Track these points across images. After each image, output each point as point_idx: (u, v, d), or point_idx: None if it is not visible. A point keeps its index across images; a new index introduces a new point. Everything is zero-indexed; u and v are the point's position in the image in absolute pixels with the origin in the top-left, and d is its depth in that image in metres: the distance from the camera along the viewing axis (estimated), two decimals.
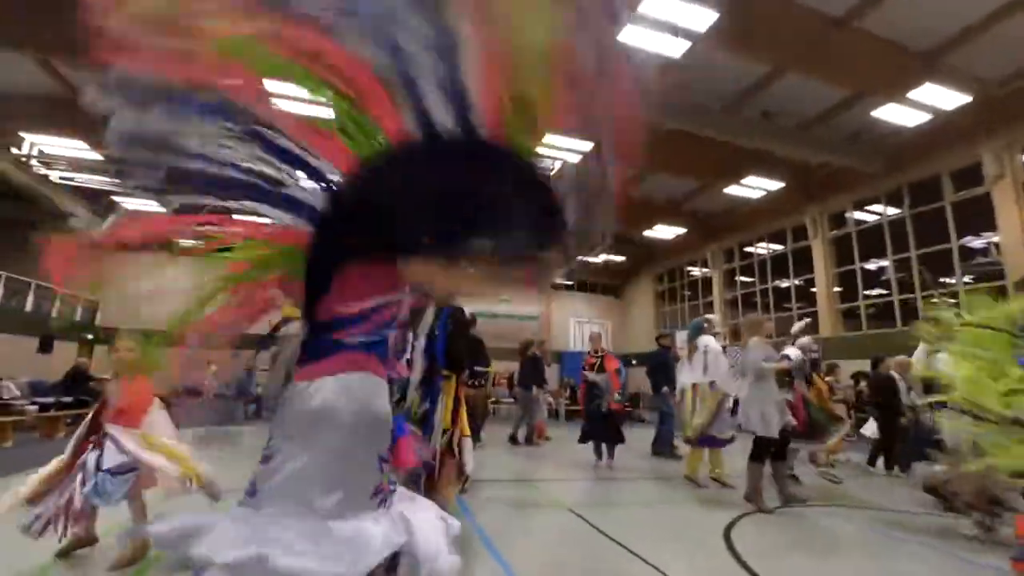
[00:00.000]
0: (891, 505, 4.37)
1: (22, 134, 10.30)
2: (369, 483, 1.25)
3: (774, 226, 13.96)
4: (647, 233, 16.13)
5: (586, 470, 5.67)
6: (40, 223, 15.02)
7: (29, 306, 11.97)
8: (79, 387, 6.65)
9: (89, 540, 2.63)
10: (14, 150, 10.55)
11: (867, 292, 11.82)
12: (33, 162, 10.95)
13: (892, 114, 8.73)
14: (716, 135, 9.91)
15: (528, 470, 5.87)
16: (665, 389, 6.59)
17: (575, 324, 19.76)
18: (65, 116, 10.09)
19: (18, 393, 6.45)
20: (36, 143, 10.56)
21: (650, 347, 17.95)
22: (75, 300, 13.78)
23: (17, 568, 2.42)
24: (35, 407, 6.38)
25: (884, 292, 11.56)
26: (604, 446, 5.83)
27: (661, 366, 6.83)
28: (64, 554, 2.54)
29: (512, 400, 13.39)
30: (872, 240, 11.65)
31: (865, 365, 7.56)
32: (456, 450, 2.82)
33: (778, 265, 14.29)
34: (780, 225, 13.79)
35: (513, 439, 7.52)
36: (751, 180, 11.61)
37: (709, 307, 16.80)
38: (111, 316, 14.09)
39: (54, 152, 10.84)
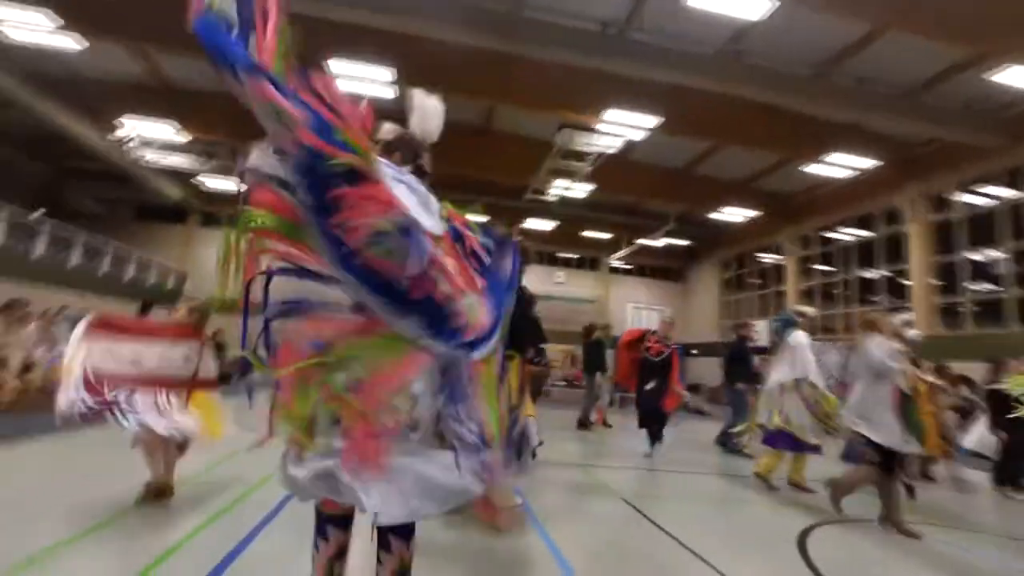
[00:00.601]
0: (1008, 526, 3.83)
1: (122, 119, 11.29)
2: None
3: (860, 209, 12.67)
4: (714, 215, 15.23)
5: (644, 459, 5.48)
6: (139, 202, 16.69)
7: (131, 274, 13.29)
8: None
9: (164, 487, 2.78)
10: (117, 133, 11.59)
11: (972, 287, 10.48)
12: (131, 144, 12.00)
13: (1016, 78, 7.51)
14: (800, 106, 9.03)
15: (584, 455, 5.76)
16: (741, 384, 6.30)
17: (632, 309, 19.19)
18: (157, 101, 10.98)
19: None
20: (134, 127, 11.54)
21: (712, 336, 17.31)
22: (168, 270, 15.17)
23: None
24: None
25: (994, 287, 10.19)
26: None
27: (740, 358, 6.55)
28: (143, 501, 2.71)
29: (563, 383, 13.29)
30: (981, 226, 10.26)
31: (967, 369, 6.69)
32: (520, 426, 2.73)
33: (864, 253, 13.01)
34: (867, 208, 12.48)
35: (582, 423, 7.50)
36: (836, 157, 10.51)
37: (781, 297, 15.69)
38: (197, 286, 15.44)
39: (148, 135, 11.82)
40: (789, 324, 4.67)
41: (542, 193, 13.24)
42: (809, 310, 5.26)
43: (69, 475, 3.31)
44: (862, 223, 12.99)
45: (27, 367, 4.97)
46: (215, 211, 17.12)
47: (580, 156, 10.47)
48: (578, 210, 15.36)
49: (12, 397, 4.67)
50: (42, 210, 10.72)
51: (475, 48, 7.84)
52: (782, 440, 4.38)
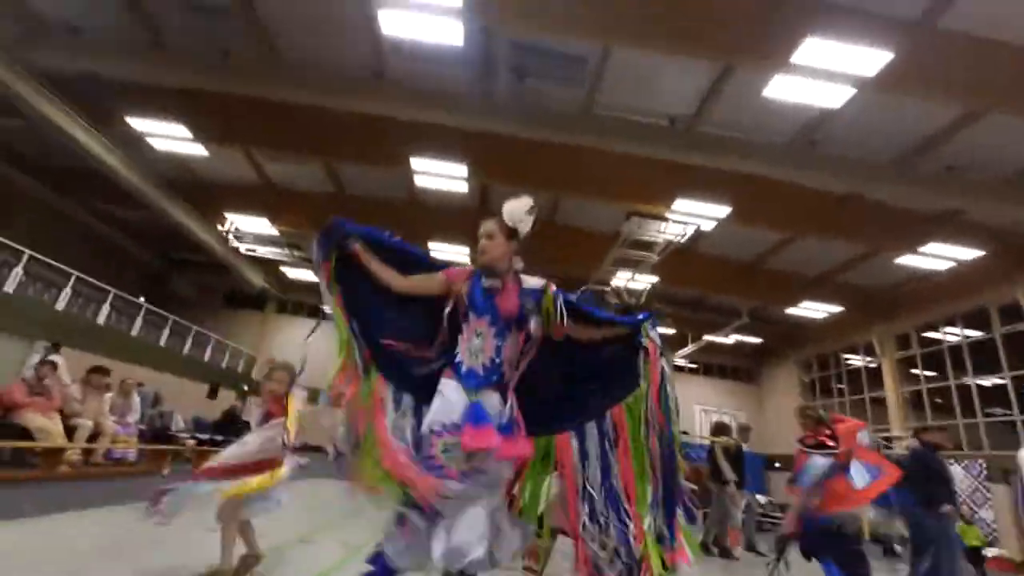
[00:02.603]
0: None
1: (227, 214, 12.72)
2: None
3: (968, 304, 11.30)
4: (790, 310, 14.19)
5: None
6: (228, 289, 18.25)
7: (207, 356, 14.00)
8: (230, 427, 7.24)
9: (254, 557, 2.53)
10: (219, 227, 13.00)
11: None
12: (230, 237, 13.35)
13: None
14: (885, 194, 8.56)
15: None
16: (947, 507, 4.21)
17: (700, 412, 17.54)
18: (257, 199, 12.34)
19: (183, 425, 7.28)
20: (234, 221, 12.93)
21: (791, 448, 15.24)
22: (240, 354, 15.91)
23: None
24: (194, 441, 7.05)
25: None
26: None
27: (934, 473, 4.75)
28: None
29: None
30: None
31: None
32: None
33: (978, 354, 11.33)
34: (976, 302, 11.12)
35: (704, 547, 5.56)
36: (933, 248, 9.65)
37: (879, 404, 13.78)
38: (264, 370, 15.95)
39: (245, 228, 13.16)
40: None
41: (605, 284, 13.02)
42: None
43: (138, 546, 3.03)
44: (972, 320, 11.51)
45: (95, 435, 4.97)
46: (290, 299, 18.36)
47: (647, 246, 10.31)
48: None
49: (73, 469, 4.59)
50: (143, 298, 11.80)
51: (544, 142, 8.25)
52: None
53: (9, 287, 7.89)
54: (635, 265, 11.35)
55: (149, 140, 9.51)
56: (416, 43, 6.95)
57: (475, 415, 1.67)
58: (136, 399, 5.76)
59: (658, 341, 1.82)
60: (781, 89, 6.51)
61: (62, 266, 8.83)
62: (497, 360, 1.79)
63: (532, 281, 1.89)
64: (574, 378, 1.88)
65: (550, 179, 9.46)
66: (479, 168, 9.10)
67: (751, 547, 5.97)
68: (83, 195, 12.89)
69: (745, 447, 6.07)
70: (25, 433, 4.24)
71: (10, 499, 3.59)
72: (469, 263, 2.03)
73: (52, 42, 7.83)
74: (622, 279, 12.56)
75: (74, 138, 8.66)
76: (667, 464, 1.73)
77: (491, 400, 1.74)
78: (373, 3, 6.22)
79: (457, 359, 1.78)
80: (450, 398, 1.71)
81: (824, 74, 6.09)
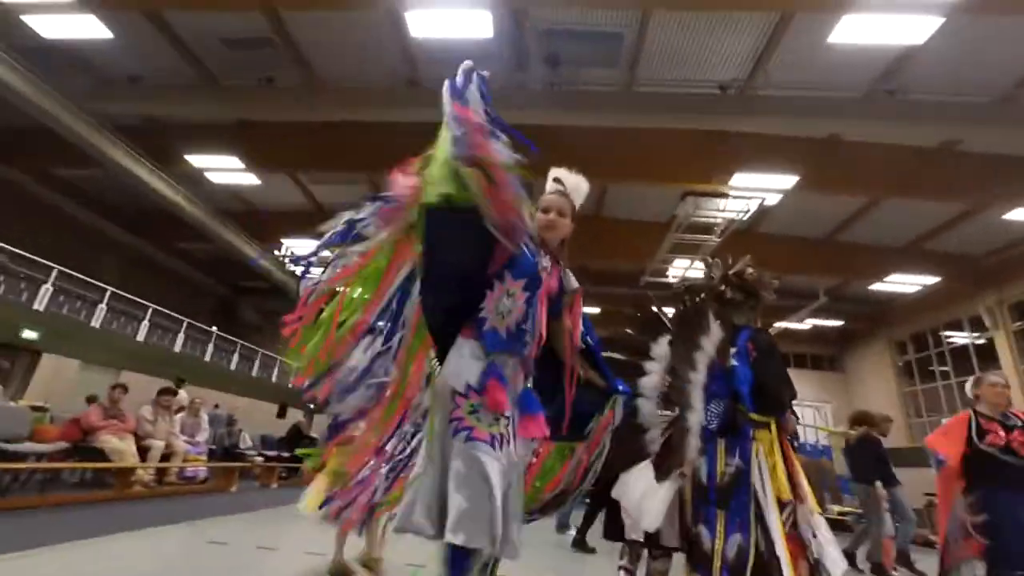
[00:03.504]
0: None
1: (282, 240, 13.27)
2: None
3: None
4: (876, 286, 12.78)
5: None
6: (289, 312, 19.08)
7: (275, 378, 14.60)
8: (296, 443, 7.34)
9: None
10: (276, 252, 13.58)
11: None
12: (287, 261, 13.92)
13: None
14: (987, 142, 7.44)
15: None
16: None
17: None
18: (309, 223, 12.74)
19: (251, 444, 7.50)
20: (289, 246, 13.46)
21: (898, 440, 13.64)
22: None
23: None
24: (261, 458, 7.19)
25: None
26: None
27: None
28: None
29: None
30: None
31: None
32: (805, 534, 1.85)
33: None
34: None
35: (851, 559, 4.48)
36: None
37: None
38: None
39: (300, 252, 13.66)
40: None
41: (661, 276, 12.32)
42: None
43: (232, 559, 2.96)
44: None
45: (167, 455, 5.09)
46: None
47: (706, 228, 9.60)
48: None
49: (146, 488, 4.70)
50: (215, 327, 12.48)
51: (585, 129, 7.86)
52: None
53: (95, 322, 8.49)
54: (694, 251, 10.61)
55: (207, 175, 10.04)
56: (446, 43, 6.84)
57: (497, 376, 1.46)
58: (205, 418, 5.92)
59: (617, 418, 1.79)
60: (850, 32, 5.78)
61: (140, 300, 9.44)
62: (524, 327, 1.55)
63: (572, 277, 1.77)
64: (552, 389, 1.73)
65: (596, 168, 9.00)
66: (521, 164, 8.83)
67: (906, 562, 4.66)
68: (156, 235, 13.90)
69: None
70: (102, 455, 4.40)
71: (88, 519, 3.67)
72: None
73: (115, 93, 8.44)
74: (680, 268, 11.83)
75: (142, 180, 9.28)
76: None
77: (507, 367, 1.52)
78: (400, 6, 6.15)
79: (480, 315, 1.55)
80: (468, 356, 1.50)
81: (903, 5, 5.33)
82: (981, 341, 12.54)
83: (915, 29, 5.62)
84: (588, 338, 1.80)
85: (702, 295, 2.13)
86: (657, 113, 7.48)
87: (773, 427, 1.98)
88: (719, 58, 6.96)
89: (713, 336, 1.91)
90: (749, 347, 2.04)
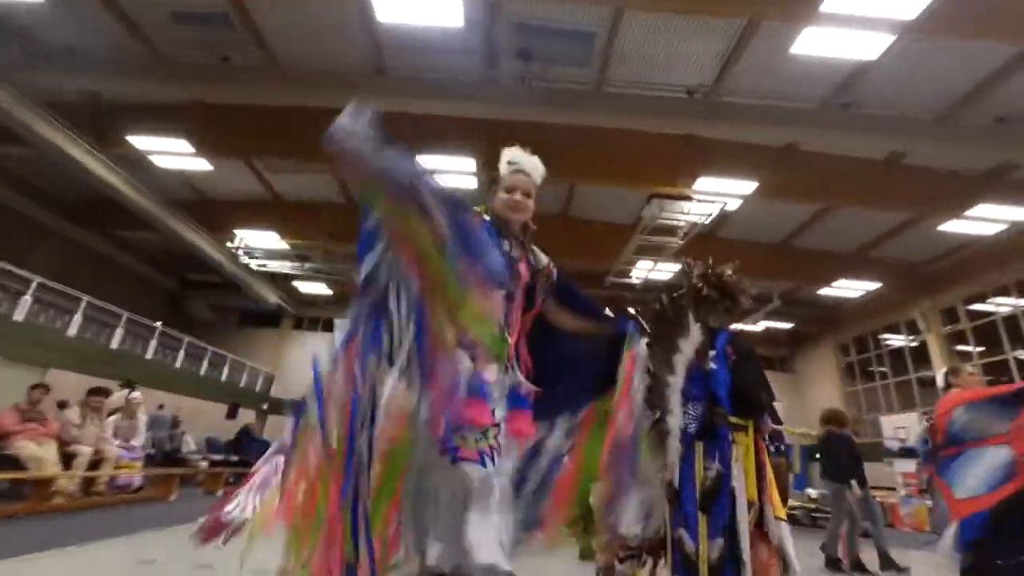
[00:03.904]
0: None
1: (236, 231, 12.55)
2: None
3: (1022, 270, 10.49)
4: (824, 291, 13.45)
5: None
6: (243, 308, 18.18)
7: (224, 377, 13.82)
8: (245, 447, 6.91)
9: None
10: (228, 244, 12.84)
11: None
12: (240, 253, 13.19)
13: None
14: (929, 155, 7.92)
15: None
16: None
17: None
18: (265, 213, 12.16)
19: (195, 448, 6.99)
20: (244, 237, 12.76)
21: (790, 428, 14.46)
22: (258, 373, 15.74)
23: None
24: (206, 463, 6.73)
25: None
26: None
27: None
28: None
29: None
30: None
31: None
32: (769, 535, 1.89)
33: None
34: None
35: (831, 560, 4.53)
36: (982, 210, 8.92)
37: (927, 385, 12.94)
38: (283, 388, 15.78)
39: (255, 244, 12.98)
40: None
41: (625, 276, 12.50)
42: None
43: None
44: None
45: (97, 462, 4.64)
46: (306, 315, 18.23)
47: (671, 230, 9.78)
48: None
49: (69, 500, 4.24)
50: (159, 322, 11.65)
51: (555, 126, 7.82)
52: None
53: (19, 315, 7.73)
54: (658, 253, 10.81)
55: (152, 158, 9.35)
56: (415, 30, 6.62)
57: (478, 387, 1.35)
58: (142, 421, 5.45)
59: (642, 353, 1.71)
60: (810, 44, 6.00)
61: (71, 291, 8.68)
62: (502, 324, 1.46)
63: (540, 254, 1.67)
64: (559, 363, 1.65)
65: (564, 166, 9.00)
66: (488, 161, 8.70)
67: (889, 563, 4.51)
68: (96, 222, 12.87)
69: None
70: (17, 463, 3.94)
71: (5, 536, 3.26)
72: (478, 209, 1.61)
73: (50, 65, 7.70)
74: (643, 269, 12.03)
75: (76, 160, 8.53)
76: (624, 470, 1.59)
77: (491, 371, 1.42)
78: None
79: None
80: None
81: (859, 21, 5.56)
82: (915, 344, 13.42)
83: (869, 45, 5.89)
84: (576, 295, 1.73)
85: (681, 294, 2.08)
86: (626, 114, 7.53)
87: (750, 430, 1.97)
88: (687, 63, 7.07)
89: (692, 338, 1.87)
90: (728, 350, 2.03)
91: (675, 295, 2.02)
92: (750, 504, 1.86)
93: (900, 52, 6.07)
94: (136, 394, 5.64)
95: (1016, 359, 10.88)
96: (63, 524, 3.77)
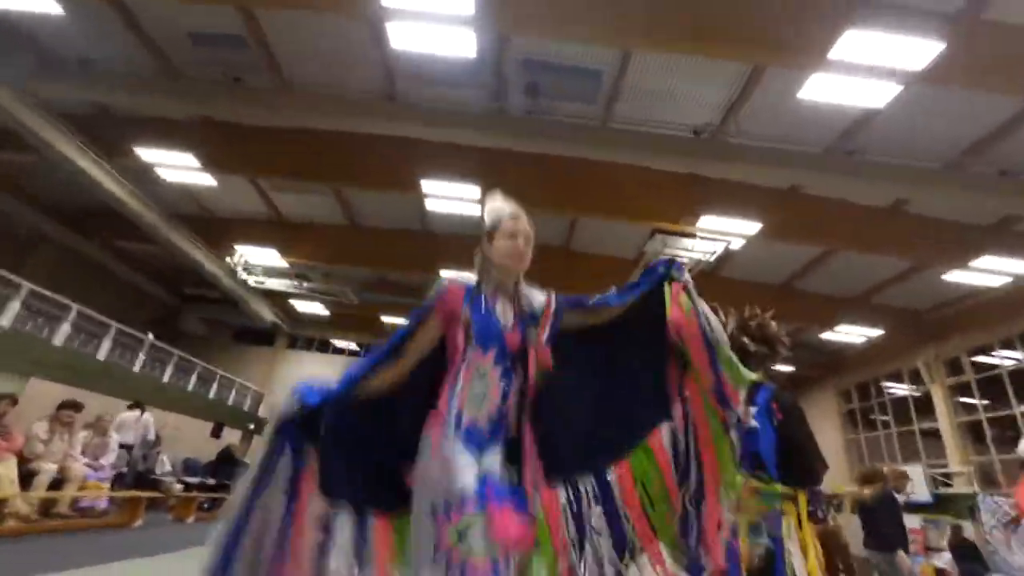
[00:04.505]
0: None
1: (236, 246, 12.49)
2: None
3: None
4: (826, 335, 13.27)
5: None
6: (239, 325, 17.95)
7: (212, 393, 13.48)
8: (226, 470, 6.60)
9: None
10: (228, 259, 12.76)
11: None
12: (239, 270, 13.09)
13: None
14: (933, 205, 7.91)
15: None
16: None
17: None
18: (266, 231, 12.13)
19: (170, 469, 6.65)
20: (244, 253, 12.69)
21: (838, 486, 13.99)
22: (247, 391, 15.38)
23: None
24: (180, 486, 6.40)
25: None
26: None
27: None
28: None
29: None
30: None
31: None
32: None
33: None
34: None
35: None
36: (987, 261, 8.85)
37: (931, 436, 12.59)
38: (271, 408, 15.39)
39: (254, 260, 12.90)
40: None
41: None
42: None
43: None
44: None
45: (59, 482, 4.38)
46: (300, 335, 18.01)
47: None
48: None
49: (22, 523, 3.91)
50: (151, 334, 11.45)
51: (560, 159, 7.85)
52: None
53: (5, 321, 7.55)
54: None
55: (157, 170, 9.37)
56: (427, 60, 6.71)
57: (494, 488, 1.16)
58: (114, 438, 5.19)
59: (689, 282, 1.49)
60: (817, 90, 6.04)
61: (62, 299, 8.52)
62: (503, 408, 1.29)
63: (536, 295, 1.48)
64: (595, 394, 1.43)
65: (567, 199, 9.02)
66: (492, 190, 8.71)
67: None
68: (95, 232, 12.83)
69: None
70: None
71: None
72: (461, 278, 1.49)
73: (64, 75, 7.80)
74: None
75: (82, 169, 8.54)
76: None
77: (495, 464, 1.23)
78: (382, 16, 5.99)
79: (452, 409, 1.26)
80: (451, 462, 1.18)
81: (866, 70, 5.61)
82: (918, 393, 13.13)
83: (876, 93, 5.92)
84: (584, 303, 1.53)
85: None
86: (631, 150, 7.56)
87: (801, 500, 1.75)
88: (694, 103, 7.13)
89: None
90: (773, 407, 1.82)
91: None
92: None
93: (907, 101, 6.11)
94: (147, 416, 5.56)
95: (1023, 414, 10.59)
96: (12, 551, 3.49)
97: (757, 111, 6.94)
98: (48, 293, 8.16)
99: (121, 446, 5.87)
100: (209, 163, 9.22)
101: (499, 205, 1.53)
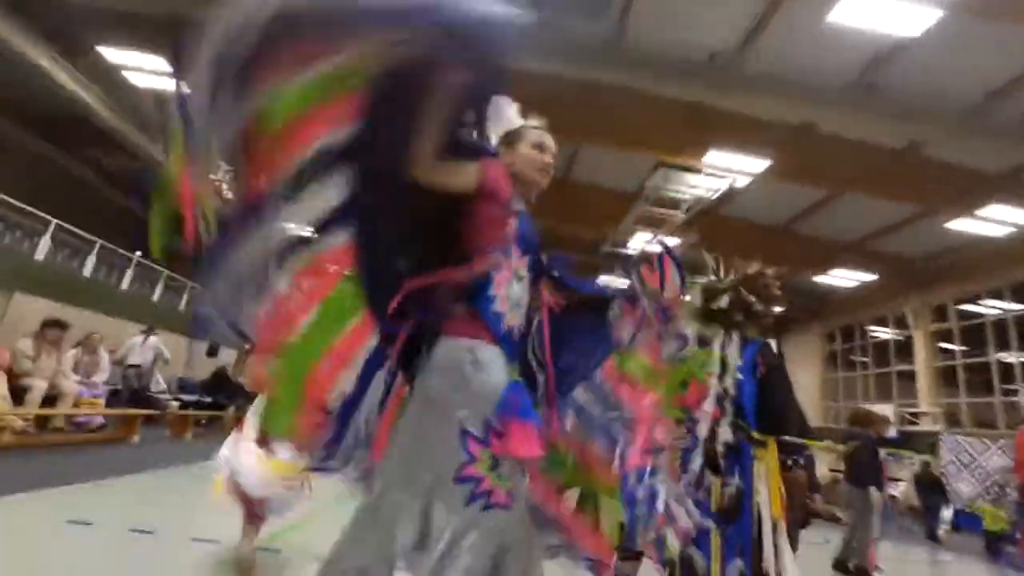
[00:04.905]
0: None
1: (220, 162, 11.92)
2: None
3: (1020, 275, 10.38)
4: (819, 279, 13.34)
5: None
6: None
7: None
8: (221, 389, 6.74)
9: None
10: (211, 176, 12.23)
11: None
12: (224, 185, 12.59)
13: None
14: (951, 149, 7.56)
15: None
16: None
17: None
18: None
19: (165, 387, 6.78)
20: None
21: (813, 421, 14.78)
22: None
23: None
24: (176, 403, 6.56)
25: None
26: None
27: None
28: None
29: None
30: None
31: None
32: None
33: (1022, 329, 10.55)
34: None
35: (841, 566, 4.54)
36: (994, 210, 8.68)
37: (906, 378, 13.12)
38: None
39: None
40: None
41: (622, 246, 12.21)
42: None
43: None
44: (1021, 293, 10.63)
45: (52, 398, 4.43)
46: None
47: (674, 203, 9.43)
48: None
49: (17, 439, 3.99)
50: (138, 252, 11.22)
51: (564, 81, 7.29)
52: None
53: None
54: (659, 225, 10.49)
55: (124, 74, 8.64)
56: None
57: (523, 405, 1.07)
58: (104, 356, 5.21)
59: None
60: (850, 12, 5.49)
61: (40, 213, 8.21)
62: (526, 318, 1.24)
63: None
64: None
65: (571, 126, 8.50)
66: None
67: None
68: (71, 143, 12.12)
69: None
70: None
71: None
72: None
73: None
74: (642, 241, 11.74)
75: (37, 66, 7.82)
76: None
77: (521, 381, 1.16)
78: None
79: (493, 306, 1.12)
80: (485, 370, 1.06)
81: None
82: (900, 338, 13.49)
83: (913, 19, 5.40)
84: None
85: (728, 304, 1.88)
86: (642, 73, 7.01)
87: (772, 446, 1.82)
88: (714, 23, 6.52)
89: (733, 349, 1.74)
90: (758, 361, 1.83)
91: (716, 305, 1.84)
92: (775, 523, 1.74)
93: (943, 33, 5.59)
94: (154, 339, 5.57)
95: (999, 361, 10.97)
96: (8, 464, 3.58)
97: (781, 34, 6.35)
98: (27, 207, 7.84)
99: (130, 366, 5.92)
100: (182, 69, 8.48)
101: (513, 110, 1.42)
